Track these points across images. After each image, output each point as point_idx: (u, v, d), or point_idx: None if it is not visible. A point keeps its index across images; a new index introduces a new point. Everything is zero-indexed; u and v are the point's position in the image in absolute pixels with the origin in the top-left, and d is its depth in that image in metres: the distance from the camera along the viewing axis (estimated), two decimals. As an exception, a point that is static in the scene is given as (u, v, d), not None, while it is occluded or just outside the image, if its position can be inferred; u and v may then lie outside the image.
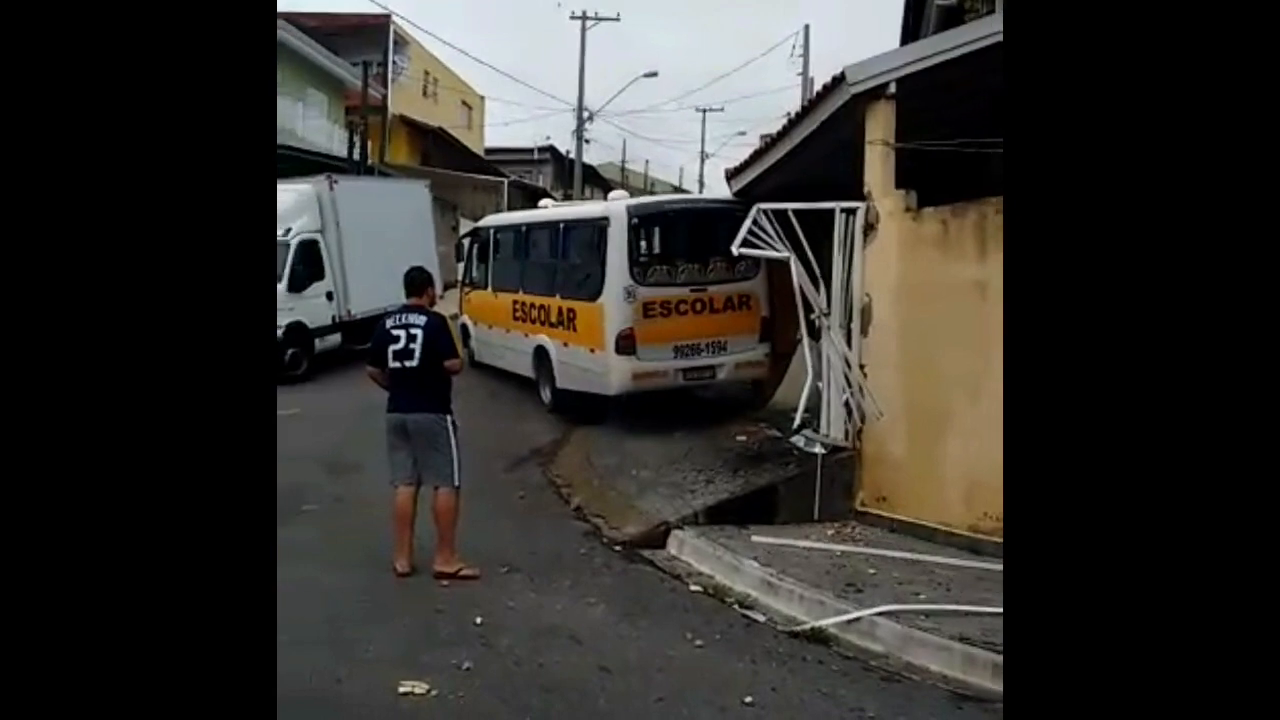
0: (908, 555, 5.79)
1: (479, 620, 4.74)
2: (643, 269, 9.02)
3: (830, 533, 6.32)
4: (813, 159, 7.70)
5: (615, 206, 9.35)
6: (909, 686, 4.31)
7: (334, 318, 13.03)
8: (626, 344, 8.72)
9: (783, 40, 50.59)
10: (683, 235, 9.72)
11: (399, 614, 4.87)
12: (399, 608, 4.96)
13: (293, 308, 12.05)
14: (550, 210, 12.11)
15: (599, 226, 9.18)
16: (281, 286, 11.86)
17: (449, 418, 5.44)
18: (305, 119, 22.39)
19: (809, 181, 7.69)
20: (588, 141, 32.78)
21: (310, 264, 12.71)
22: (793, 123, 7.54)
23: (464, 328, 12.61)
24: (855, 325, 6.74)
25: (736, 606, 5.24)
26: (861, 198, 6.63)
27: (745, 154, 9.38)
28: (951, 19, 9.60)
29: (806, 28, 28.28)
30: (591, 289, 9.11)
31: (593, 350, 9.10)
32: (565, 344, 9.67)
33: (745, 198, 8.65)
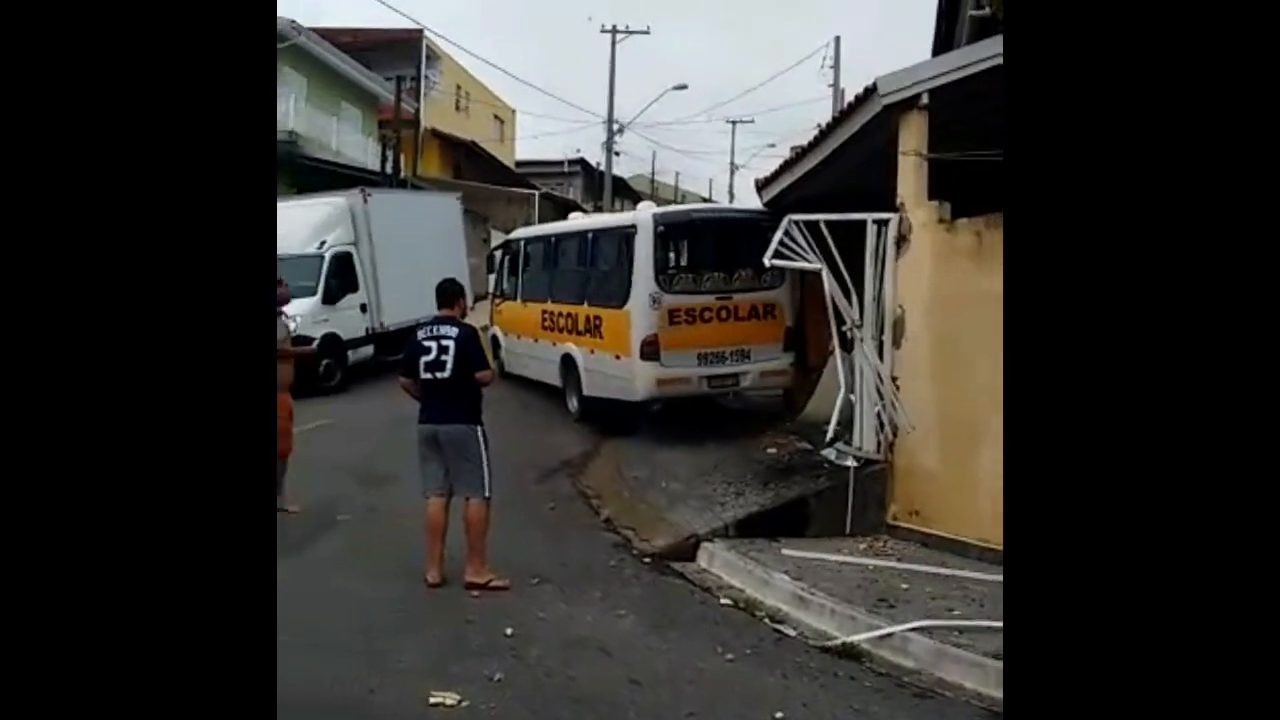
0: (941, 570, 5.72)
1: (509, 631, 4.75)
2: (669, 277, 9.07)
3: (862, 547, 6.27)
4: (844, 169, 7.68)
5: (643, 215, 9.42)
6: (941, 703, 4.26)
7: (367, 329, 13.16)
8: (651, 350, 8.74)
9: (812, 52, 50.37)
10: (709, 244, 9.74)
11: (430, 624, 4.89)
12: (430, 618, 4.99)
13: (327, 319, 12.22)
14: (579, 221, 12.20)
15: (626, 234, 9.24)
16: (316, 299, 12.06)
17: (480, 429, 5.47)
18: (340, 134, 22.75)
19: (840, 192, 7.66)
20: (618, 154, 33.01)
21: (344, 276, 12.87)
22: (824, 133, 7.54)
23: (494, 339, 12.71)
24: (888, 337, 6.69)
25: (767, 620, 5.19)
26: (893, 209, 6.60)
27: (774, 165, 9.40)
28: (986, 29, 9.51)
29: (837, 39, 28.28)
30: (618, 296, 9.17)
31: (618, 356, 9.15)
32: (592, 351, 9.73)
33: (775, 208, 8.65)
